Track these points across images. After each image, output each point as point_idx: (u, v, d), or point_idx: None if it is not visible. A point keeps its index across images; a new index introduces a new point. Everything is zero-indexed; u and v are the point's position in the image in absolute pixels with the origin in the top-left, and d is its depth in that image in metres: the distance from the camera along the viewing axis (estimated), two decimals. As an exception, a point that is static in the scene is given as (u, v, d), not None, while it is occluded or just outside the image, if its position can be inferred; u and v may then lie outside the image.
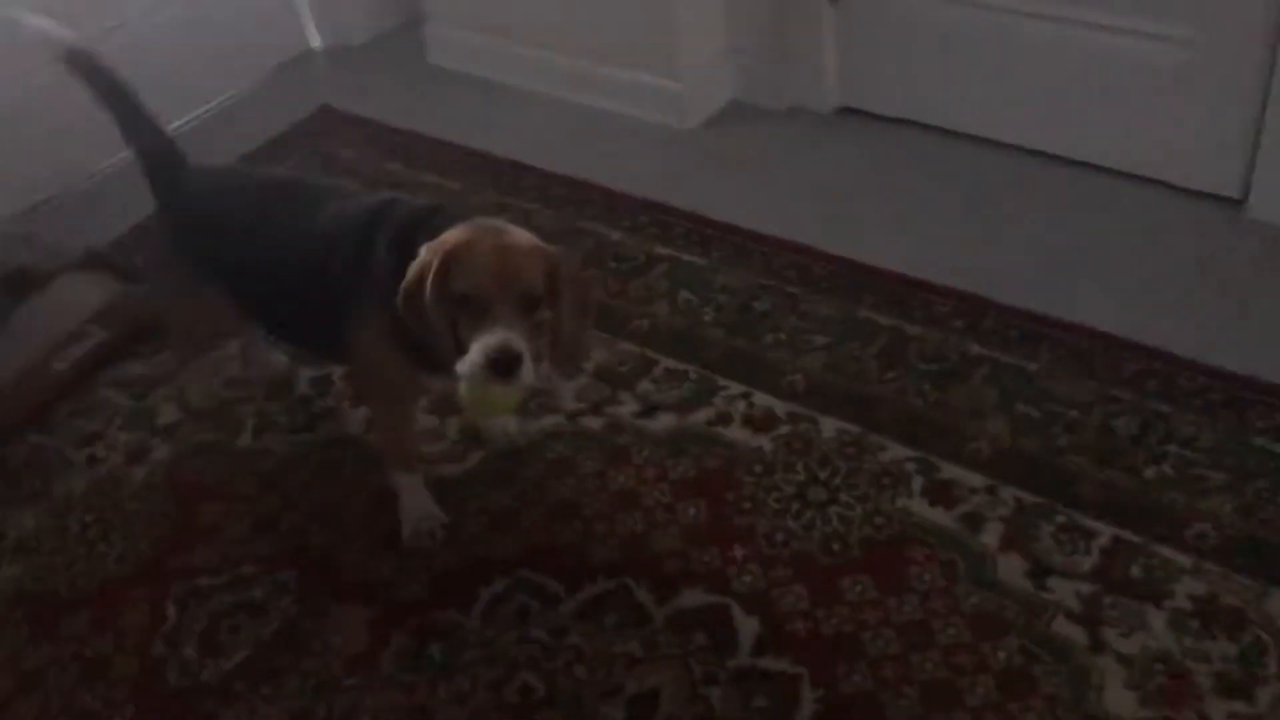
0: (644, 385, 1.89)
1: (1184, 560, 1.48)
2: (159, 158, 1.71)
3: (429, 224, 1.45)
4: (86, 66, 1.66)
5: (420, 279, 1.39)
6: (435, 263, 1.38)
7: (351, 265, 1.51)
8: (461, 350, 1.40)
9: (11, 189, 2.51)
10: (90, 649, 1.63)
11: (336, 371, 1.99)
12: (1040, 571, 1.50)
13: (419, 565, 1.67)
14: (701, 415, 1.81)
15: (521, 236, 1.43)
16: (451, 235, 1.41)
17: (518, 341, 1.38)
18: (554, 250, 1.44)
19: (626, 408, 1.85)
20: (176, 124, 2.59)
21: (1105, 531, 1.53)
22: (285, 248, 1.60)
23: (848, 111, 2.44)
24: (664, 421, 1.81)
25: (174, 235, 1.75)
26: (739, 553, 1.59)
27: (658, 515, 1.67)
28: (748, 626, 1.50)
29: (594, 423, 1.83)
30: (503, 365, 1.37)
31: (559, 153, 2.47)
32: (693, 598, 1.55)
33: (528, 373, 1.39)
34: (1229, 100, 1.91)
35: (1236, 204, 2.01)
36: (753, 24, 2.41)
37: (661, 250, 2.16)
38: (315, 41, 3.10)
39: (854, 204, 2.21)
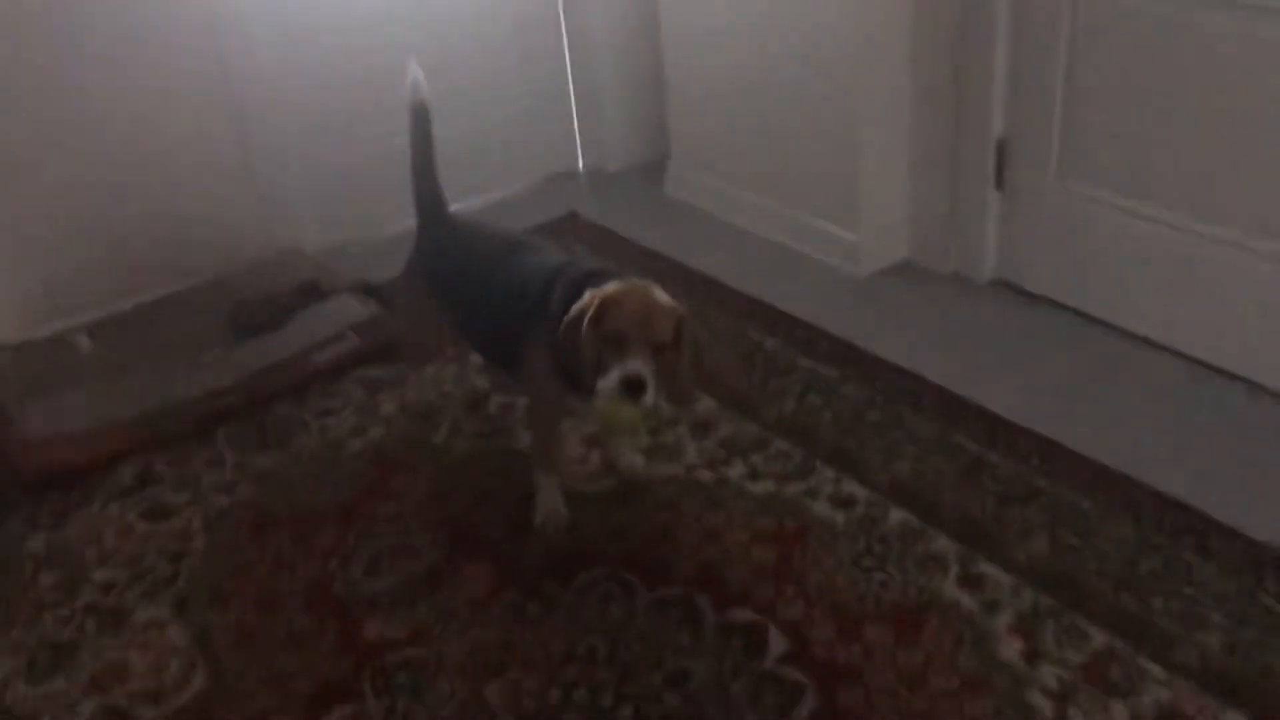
0: (755, 457, 2.26)
1: (1160, 673, 1.70)
2: (432, 201, 2.28)
3: (595, 279, 1.92)
4: (423, 119, 2.25)
5: (581, 315, 1.85)
6: (594, 306, 1.84)
7: (536, 304, 1.99)
8: (602, 374, 1.84)
9: (329, 226, 3.20)
10: (287, 554, 2.13)
11: (521, 402, 2.47)
12: (1031, 655, 1.75)
13: (540, 547, 2.08)
14: (794, 487, 2.16)
15: (660, 296, 1.87)
16: (609, 288, 1.87)
17: (646, 372, 1.81)
18: (682, 310, 1.88)
19: (735, 470, 2.23)
20: (456, 205, 3.22)
21: (1101, 637, 1.77)
22: (495, 285, 2.10)
23: (1001, 284, 2.78)
24: (763, 486, 2.18)
25: (422, 264, 2.30)
26: (790, 590, 1.92)
27: (734, 552, 2.02)
28: (779, 644, 1.83)
29: (705, 475, 2.22)
30: (632, 387, 1.80)
31: (745, 277, 2.92)
32: (741, 615, 1.89)
33: (650, 396, 1.82)
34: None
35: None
36: (929, 196, 2.81)
37: (804, 361, 2.55)
38: (580, 164, 3.72)
39: (981, 357, 2.53)
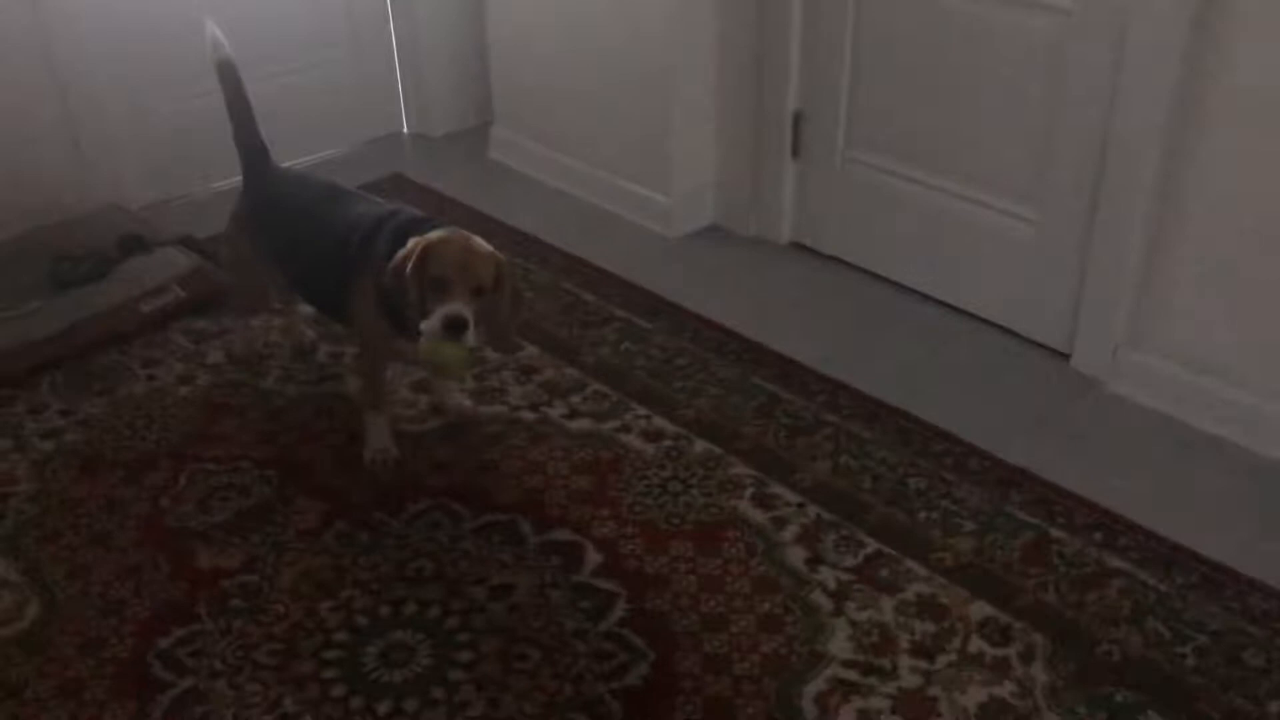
0: (574, 398, 2.44)
1: (922, 571, 1.96)
2: (255, 156, 2.36)
3: (421, 227, 2.05)
4: (231, 76, 2.32)
5: (405, 260, 1.98)
6: (417, 251, 1.97)
7: (361, 250, 2.10)
8: (426, 316, 1.97)
9: (155, 181, 3.19)
10: (118, 493, 2.19)
11: (351, 351, 2.57)
12: (813, 561, 1.99)
13: (369, 482, 2.21)
14: (609, 424, 2.35)
15: (480, 243, 2.02)
16: (433, 235, 2.00)
17: (467, 312, 1.95)
18: (502, 257, 2.03)
19: (556, 410, 2.40)
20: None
21: (873, 544, 2.03)
22: (320, 233, 2.20)
23: (798, 246, 3.03)
24: (580, 423, 2.36)
25: (247, 216, 2.37)
26: (604, 513, 2.11)
27: (554, 481, 2.20)
28: (594, 558, 2.01)
29: (528, 415, 2.39)
30: (454, 326, 1.94)
31: (565, 236, 3.09)
32: (560, 534, 2.07)
33: (470, 336, 1.96)
34: (1059, 271, 2.47)
35: (1065, 357, 2.53)
36: (734, 164, 3.04)
37: (619, 313, 2.75)
38: (404, 127, 3.81)
39: (779, 311, 2.77)
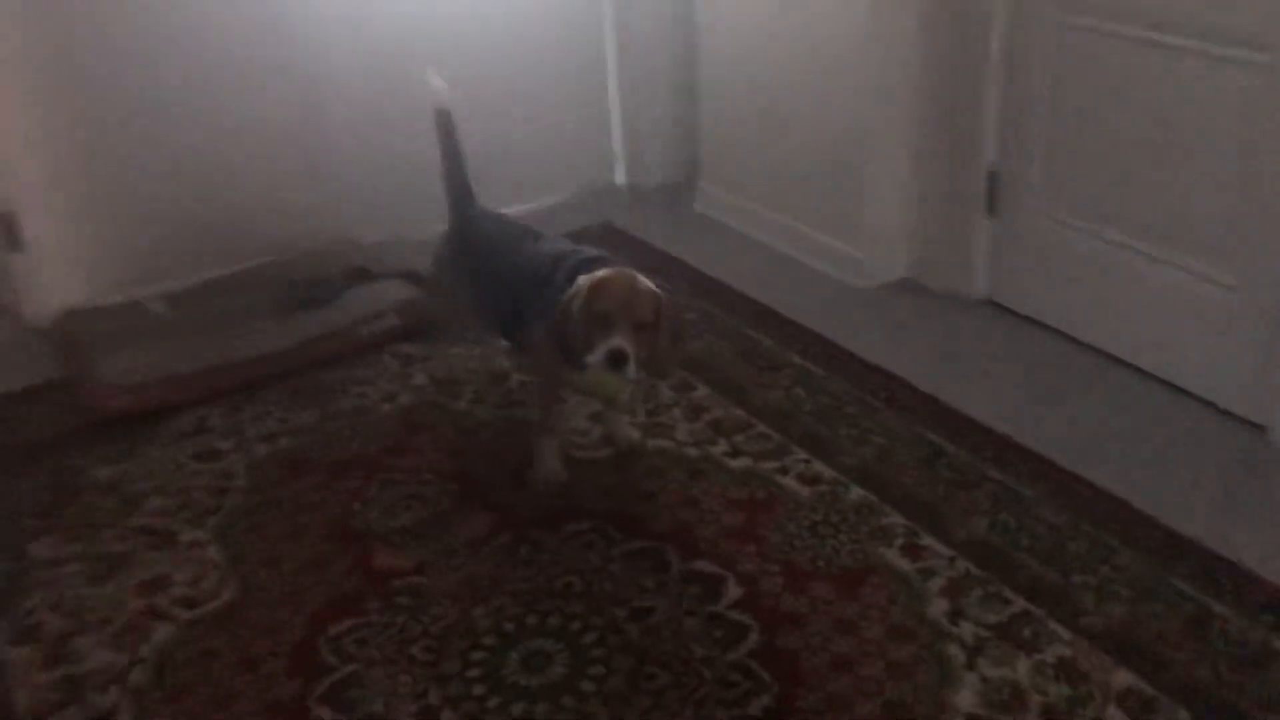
0: (738, 438, 2.50)
1: (1065, 634, 1.90)
2: (461, 196, 2.57)
3: (591, 266, 2.19)
4: (446, 123, 2.56)
5: (574, 298, 2.12)
6: (585, 289, 2.11)
7: (541, 285, 2.26)
8: (591, 349, 2.10)
9: (385, 220, 3.50)
10: (315, 495, 2.42)
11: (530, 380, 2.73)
12: (955, 614, 1.97)
13: (536, 501, 2.34)
14: (769, 465, 2.40)
15: (644, 282, 2.13)
16: (601, 274, 2.13)
17: (629, 347, 2.07)
18: (663, 294, 2.14)
19: (719, 448, 2.47)
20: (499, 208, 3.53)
21: (1019, 603, 1.98)
22: (507, 269, 2.37)
23: (990, 303, 2.99)
24: (741, 462, 2.42)
25: (449, 252, 2.58)
26: (750, 549, 2.16)
27: (707, 515, 2.27)
28: (733, 591, 2.06)
29: (692, 451, 2.47)
30: (616, 360, 2.06)
31: (758, 285, 3.17)
32: (704, 566, 2.13)
33: (631, 369, 2.08)
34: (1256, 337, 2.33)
35: (1261, 429, 2.39)
36: (929, 219, 3.04)
37: (795, 359, 2.80)
38: (619, 178, 4.01)
39: (960, 366, 2.74)
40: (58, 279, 3.15)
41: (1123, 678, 1.82)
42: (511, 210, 3.57)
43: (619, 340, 2.06)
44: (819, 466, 2.39)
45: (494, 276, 2.41)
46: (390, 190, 3.50)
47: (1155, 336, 2.58)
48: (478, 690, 1.89)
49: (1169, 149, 2.44)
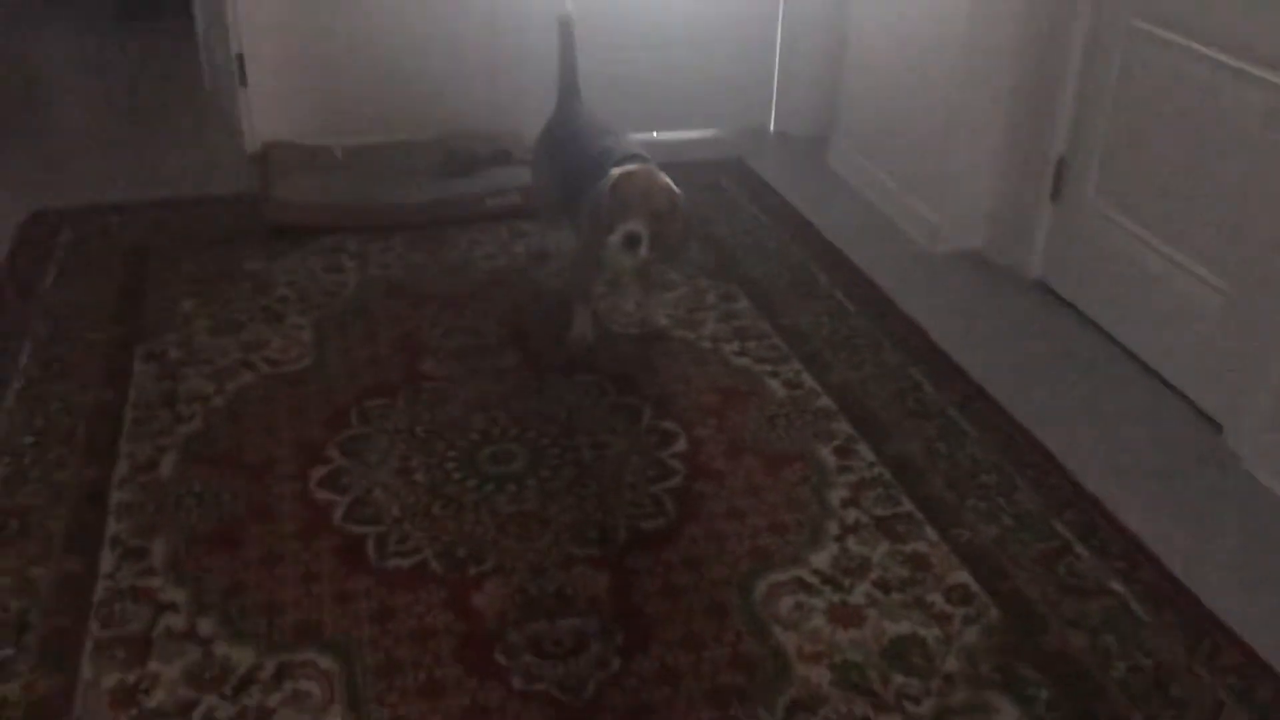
0: (751, 343, 2.86)
1: (934, 537, 2.19)
2: (567, 95, 3.03)
3: (629, 160, 2.60)
4: (567, 30, 3.02)
5: (605, 185, 2.54)
6: (612, 180, 2.52)
7: (592, 174, 2.68)
8: (613, 230, 2.52)
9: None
10: (400, 313, 2.96)
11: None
12: (849, 502, 2.28)
13: (562, 354, 2.79)
14: (764, 368, 2.75)
15: (662, 178, 2.53)
16: (629, 168, 2.54)
17: (641, 231, 2.47)
18: (677, 191, 2.53)
19: (730, 347, 2.84)
20: (653, 134, 4.00)
21: (910, 508, 2.27)
22: (575, 160, 2.81)
23: (1042, 285, 3.19)
24: (743, 361, 2.78)
25: (546, 140, 3.04)
26: (711, 422, 2.53)
27: (691, 392, 2.65)
28: (680, 445, 2.45)
29: (707, 345, 2.85)
30: (630, 240, 2.48)
31: (844, 234, 3.47)
32: (668, 424, 2.52)
33: (642, 250, 2.49)
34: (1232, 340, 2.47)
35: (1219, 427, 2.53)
36: (1004, 198, 3.26)
37: (839, 295, 3.11)
38: (771, 124, 4.36)
39: (985, 334, 2.97)
40: (269, 116, 3.83)
41: (960, 576, 2.09)
42: (663, 137, 4.04)
43: (633, 225, 2.47)
44: (806, 377, 2.72)
45: (569, 163, 2.86)
46: (551, 95, 3.99)
47: (1157, 330, 2.74)
48: (449, 465, 2.37)
49: (1194, 158, 2.59)
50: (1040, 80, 3.05)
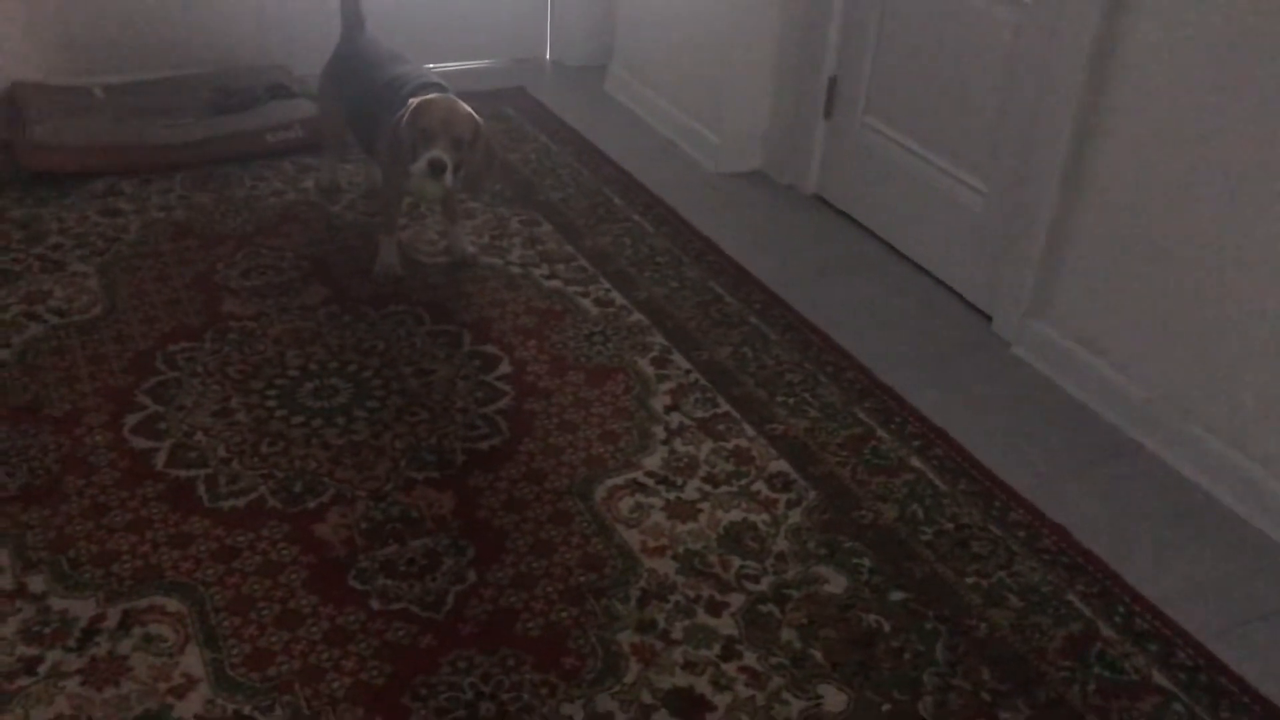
0: (559, 266, 2.93)
1: (751, 433, 2.34)
2: (352, 24, 2.96)
3: (427, 89, 2.60)
4: None
5: (404, 115, 2.52)
6: (412, 108, 2.51)
7: (388, 103, 2.65)
8: (416, 159, 2.51)
9: (319, 54, 3.89)
10: (191, 254, 2.85)
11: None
12: (671, 408, 2.40)
13: (369, 286, 2.77)
14: (575, 288, 2.82)
15: (463, 106, 2.54)
16: (429, 97, 2.54)
17: (445, 158, 2.48)
18: (480, 120, 2.55)
19: (540, 270, 2.90)
20: (431, 65, 3.92)
21: (727, 408, 2.41)
22: (368, 88, 2.77)
23: (819, 199, 3.40)
24: (554, 283, 2.84)
25: (333, 70, 2.97)
26: (532, 343, 2.59)
27: (508, 315, 2.69)
28: (504, 368, 2.50)
29: (516, 270, 2.89)
30: (434, 168, 2.48)
31: (631, 157, 3.56)
32: (489, 349, 2.56)
33: (448, 177, 2.49)
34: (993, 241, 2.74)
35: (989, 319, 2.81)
36: (780, 118, 3.44)
37: (635, 217, 3.21)
38: (547, 54, 4.39)
39: (769, 243, 3.15)
40: (12, 54, 3.53)
41: (779, 465, 2.26)
42: (441, 68, 3.99)
43: (437, 151, 2.48)
44: (615, 295, 2.81)
45: (359, 93, 2.81)
46: (320, 29, 3.87)
47: (928, 234, 2.99)
48: (271, 403, 2.33)
49: (954, 71, 2.83)
50: (811, 2, 3.22)
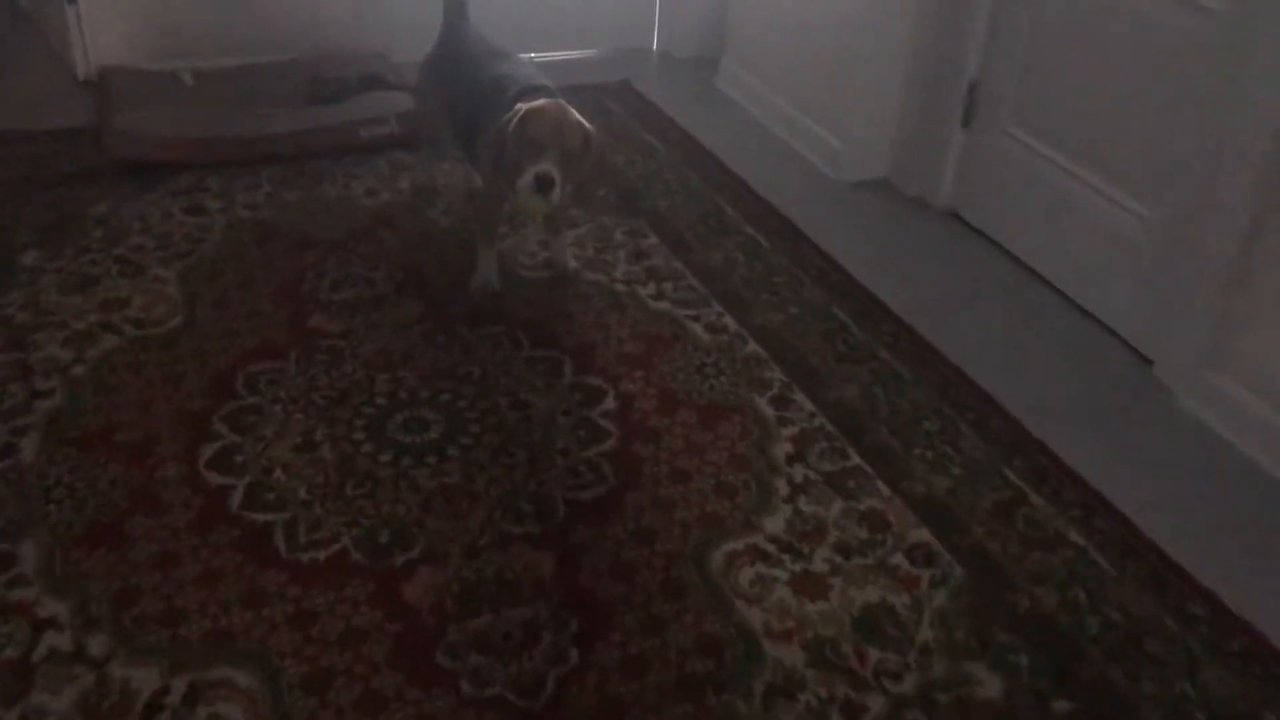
0: (667, 284, 2.68)
1: (886, 491, 2.08)
2: (454, 16, 2.74)
3: (532, 94, 2.36)
4: None
5: (510, 122, 2.29)
6: (519, 116, 2.27)
7: (491, 106, 2.43)
8: (521, 172, 2.28)
9: (410, 45, 3.69)
10: (277, 260, 2.66)
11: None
12: (794, 457, 2.15)
13: (467, 302, 2.56)
14: (685, 311, 2.58)
15: (574, 114, 2.30)
16: (537, 103, 2.30)
17: (555, 173, 2.24)
18: (590, 128, 2.30)
19: (647, 290, 2.66)
20: (533, 55, 3.70)
21: (857, 461, 2.16)
22: (470, 86, 2.55)
23: (952, 214, 3.10)
24: (662, 305, 2.60)
25: (433, 64, 2.75)
26: (639, 374, 2.36)
27: (613, 340, 2.46)
28: (609, 403, 2.27)
29: (621, 288, 2.66)
30: (542, 183, 2.24)
31: (744, 160, 3.30)
32: (592, 380, 2.33)
33: (556, 194, 2.26)
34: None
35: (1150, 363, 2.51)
36: (910, 124, 3.15)
37: (748, 229, 2.95)
38: (654, 44, 4.14)
39: (898, 263, 2.87)
40: (103, 37, 3.39)
41: (919, 534, 2.00)
42: (542, 58, 3.76)
43: (546, 165, 2.24)
44: (729, 320, 2.57)
45: (460, 93, 2.59)
46: (421, 15, 3.66)
47: (1078, 261, 2.69)
48: (358, 435, 2.13)
49: (1118, 82, 2.51)
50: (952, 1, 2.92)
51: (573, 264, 2.71)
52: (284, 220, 2.84)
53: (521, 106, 2.30)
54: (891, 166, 3.26)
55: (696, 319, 2.56)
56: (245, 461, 2.05)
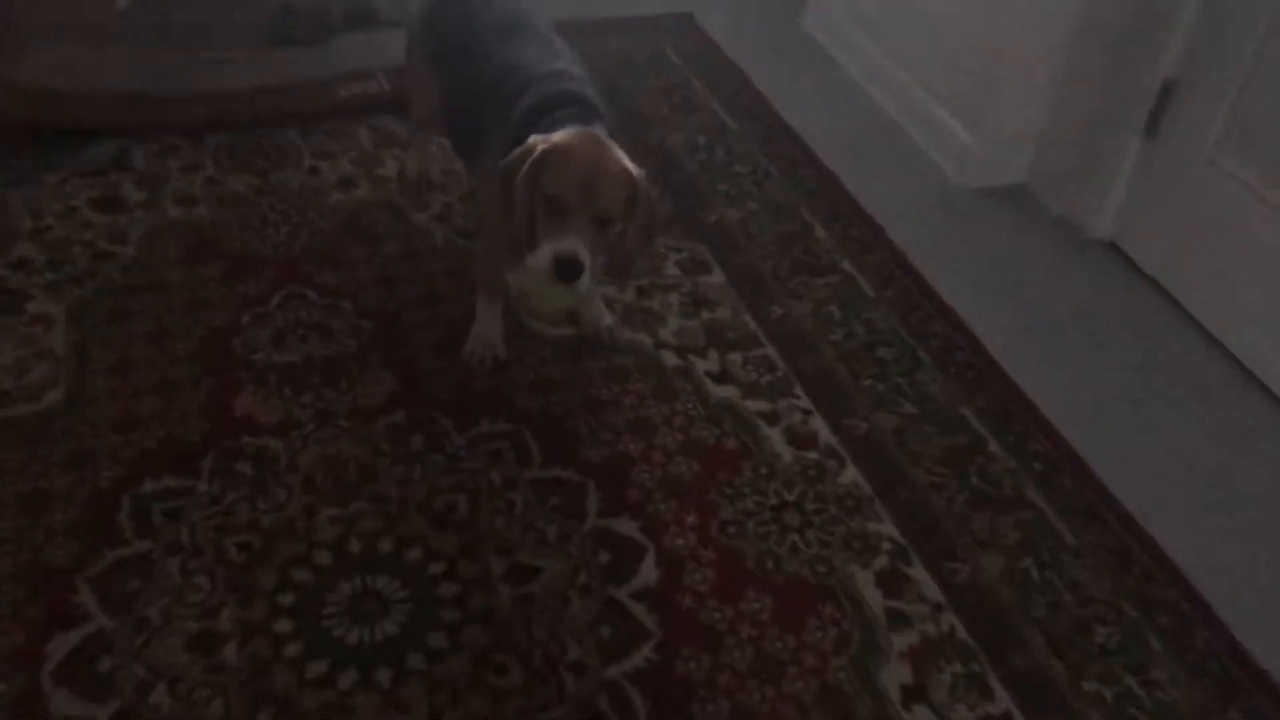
0: (733, 355, 1.96)
1: (1049, 769, 1.42)
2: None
3: (554, 105, 1.59)
4: None
5: (519, 164, 1.53)
6: (534, 157, 1.51)
7: (504, 103, 1.67)
8: (535, 244, 1.54)
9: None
10: (206, 293, 1.96)
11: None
12: (915, 694, 1.48)
13: (457, 375, 1.85)
14: (758, 404, 1.87)
15: (614, 156, 1.54)
16: (558, 136, 1.53)
17: (585, 253, 1.50)
18: (638, 174, 1.55)
19: (706, 363, 1.94)
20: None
21: (1004, 702, 1.48)
22: (471, 72, 1.78)
23: (1113, 248, 2.34)
24: (725, 390, 1.89)
25: (431, 22, 1.97)
26: (690, 519, 1.67)
27: (655, 453, 1.76)
28: (648, 575, 1.58)
29: (671, 359, 1.94)
30: (566, 271, 1.50)
31: (841, 150, 2.53)
32: (624, 527, 1.65)
33: (584, 282, 1.52)
34: None
35: None
36: (1068, 123, 2.35)
37: (847, 266, 2.20)
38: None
39: (1047, 318, 2.14)
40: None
41: None
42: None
43: (572, 241, 1.50)
44: (818, 424, 1.86)
45: (458, 80, 1.83)
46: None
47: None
48: (282, 624, 1.47)
49: None
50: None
51: (607, 319, 1.98)
52: (225, 224, 2.12)
53: (536, 141, 1.54)
54: (1034, 173, 2.48)
55: (774, 418, 1.86)
56: (114, 670, 1.39)
